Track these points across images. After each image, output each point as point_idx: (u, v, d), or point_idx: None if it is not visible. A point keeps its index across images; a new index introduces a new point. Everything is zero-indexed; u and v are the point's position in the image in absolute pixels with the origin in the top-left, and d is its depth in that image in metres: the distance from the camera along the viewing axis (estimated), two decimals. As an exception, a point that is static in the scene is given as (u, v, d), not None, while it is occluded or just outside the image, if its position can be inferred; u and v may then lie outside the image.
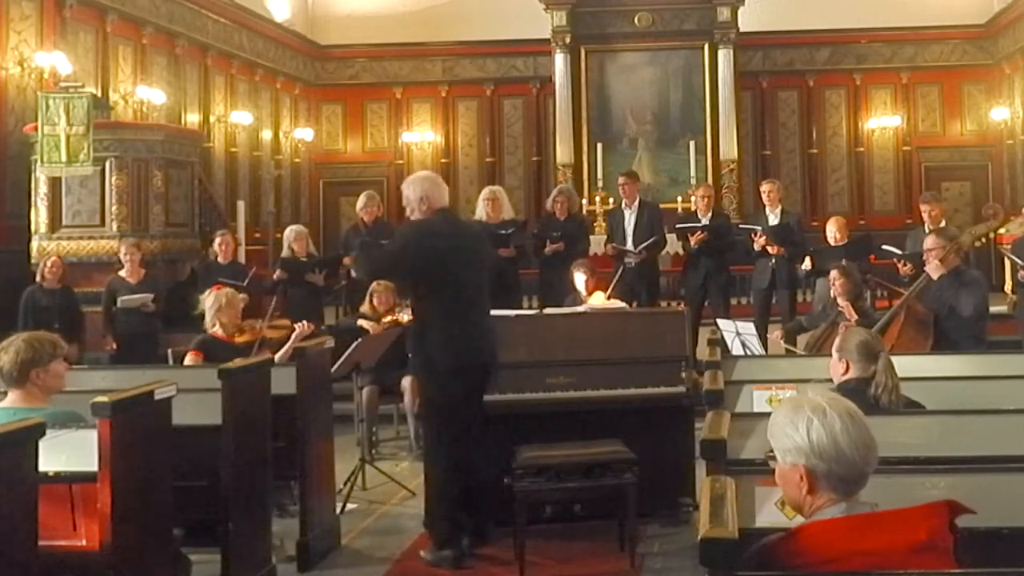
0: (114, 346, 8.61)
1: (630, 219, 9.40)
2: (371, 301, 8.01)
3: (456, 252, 5.27)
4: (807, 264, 8.57)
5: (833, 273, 7.09)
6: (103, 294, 8.79)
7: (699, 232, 9.19)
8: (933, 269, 6.51)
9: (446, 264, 5.22)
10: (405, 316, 7.66)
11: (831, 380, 4.17)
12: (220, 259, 9.25)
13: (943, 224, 8.39)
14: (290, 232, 9.45)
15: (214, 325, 6.56)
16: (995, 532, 2.79)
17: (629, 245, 9.20)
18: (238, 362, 5.14)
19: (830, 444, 2.21)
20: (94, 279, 9.50)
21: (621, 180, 9.75)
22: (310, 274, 9.15)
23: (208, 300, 6.66)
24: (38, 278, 8.60)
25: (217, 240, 9.32)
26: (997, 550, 2.78)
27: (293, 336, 6.80)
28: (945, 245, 6.63)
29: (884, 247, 8.14)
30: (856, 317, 6.68)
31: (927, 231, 7.73)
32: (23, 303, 8.49)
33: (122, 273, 8.82)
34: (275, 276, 9.16)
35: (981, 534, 2.64)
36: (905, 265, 7.59)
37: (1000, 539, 2.81)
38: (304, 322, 7.04)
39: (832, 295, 7.03)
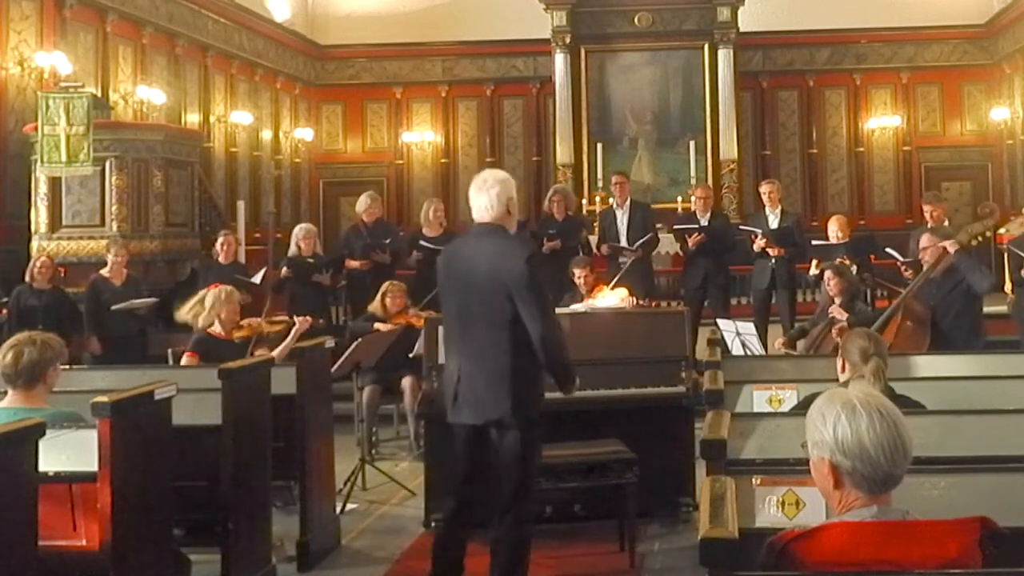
0: (99, 347, 8.46)
1: (622, 219, 9.44)
2: (383, 300, 7.96)
3: (457, 277, 4.52)
4: (814, 268, 8.52)
5: (827, 274, 7.10)
6: (86, 293, 8.64)
7: (697, 234, 9.19)
8: (950, 245, 6.54)
9: (445, 292, 4.63)
10: (416, 319, 7.64)
11: (831, 380, 4.17)
12: (221, 259, 9.25)
13: (945, 225, 8.38)
14: (299, 230, 9.41)
15: (211, 323, 6.53)
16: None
17: (623, 244, 9.22)
18: (238, 362, 5.14)
19: (854, 442, 2.17)
20: (94, 279, 9.48)
21: (616, 179, 9.79)
22: (317, 275, 9.15)
23: (207, 298, 6.60)
24: (27, 278, 8.56)
25: (220, 240, 9.30)
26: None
27: (293, 331, 6.79)
28: (940, 242, 6.66)
29: (887, 250, 8.14)
30: (847, 315, 6.65)
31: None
32: (10, 303, 8.43)
33: (105, 272, 8.71)
34: (281, 274, 9.15)
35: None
36: (907, 270, 7.59)
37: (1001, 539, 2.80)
38: (304, 317, 7.01)
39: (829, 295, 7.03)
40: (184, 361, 6.42)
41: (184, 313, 6.62)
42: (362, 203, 9.66)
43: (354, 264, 9.42)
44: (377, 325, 7.76)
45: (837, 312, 6.75)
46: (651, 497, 5.44)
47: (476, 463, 4.43)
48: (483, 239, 4.46)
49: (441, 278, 4.65)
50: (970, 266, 6.60)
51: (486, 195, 4.44)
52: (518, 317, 4.28)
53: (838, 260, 8.07)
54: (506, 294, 4.29)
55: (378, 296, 8.01)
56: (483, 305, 4.35)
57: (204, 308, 6.54)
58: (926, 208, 8.45)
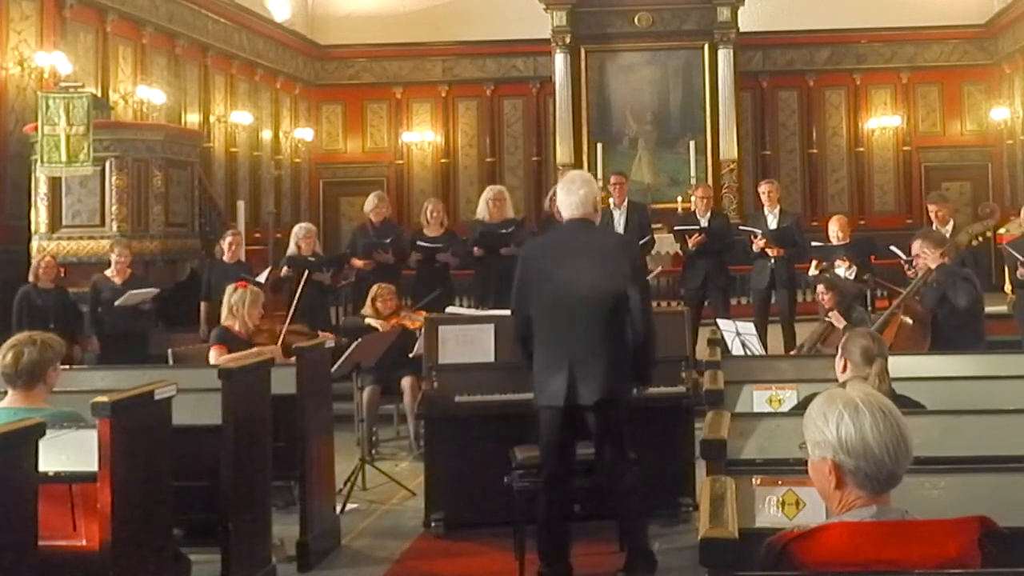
0: (98, 346, 8.52)
1: (619, 220, 9.39)
2: (374, 304, 7.95)
3: (557, 269, 4.79)
4: (813, 269, 8.51)
5: (819, 288, 7.10)
6: (89, 293, 8.68)
7: (697, 234, 9.19)
8: (932, 260, 6.53)
9: (539, 285, 4.83)
10: (410, 320, 7.65)
11: (831, 380, 4.16)
12: (226, 258, 9.23)
13: (950, 225, 8.38)
14: (299, 229, 9.39)
15: (234, 320, 6.55)
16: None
17: None
18: (238, 362, 5.14)
19: (858, 441, 2.17)
20: (93, 279, 9.49)
21: (615, 179, 9.75)
22: (317, 273, 9.13)
23: (233, 296, 6.64)
24: (31, 278, 8.57)
25: (228, 240, 9.29)
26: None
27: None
28: (930, 249, 6.63)
29: (891, 248, 8.14)
30: (844, 323, 6.66)
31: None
32: (17, 303, 8.42)
33: (108, 272, 8.74)
34: (282, 273, 9.14)
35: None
36: (910, 269, 7.58)
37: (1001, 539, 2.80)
38: (329, 335, 7.04)
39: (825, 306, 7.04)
40: (213, 355, 6.39)
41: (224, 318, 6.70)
42: (370, 203, 9.61)
43: (358, 263, 9.41)
44: (372, 322, 7.76)
45: (835, 319, 6.77)
46: (651, 497, 5.43)
47: (568, 443, 4.86)
48: (582, 231, 4.87)
49: (534, 273, 4.87)
50: (950, 283, 6.53)
51: (576, 196, 4.85)
52: (625, 301, 4.67)
53: (837, 260, 8.07)
54: (620, 277, 4.70)
55: (368, 300, 8.01)
56: (594, 291, 4.71)
57: (231, 305, 6.60)
58: (931, 208, 8.44)
